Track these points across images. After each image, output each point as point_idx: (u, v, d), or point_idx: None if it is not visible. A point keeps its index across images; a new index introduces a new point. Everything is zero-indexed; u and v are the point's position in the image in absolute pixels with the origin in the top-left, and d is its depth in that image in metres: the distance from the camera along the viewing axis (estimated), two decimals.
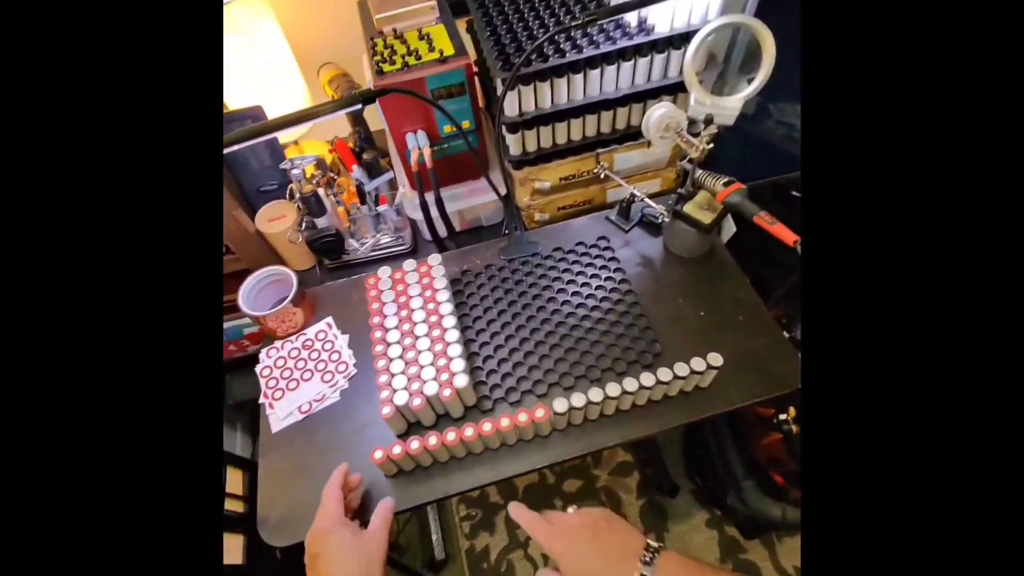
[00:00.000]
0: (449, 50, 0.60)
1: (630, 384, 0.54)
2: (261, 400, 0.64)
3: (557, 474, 1.30)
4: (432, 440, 0.53)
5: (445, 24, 0.65)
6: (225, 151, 0.50)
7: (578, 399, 0.53)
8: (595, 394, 0.54)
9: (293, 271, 0.67)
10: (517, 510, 0.47)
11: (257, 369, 0.66)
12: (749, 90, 0.57)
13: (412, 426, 0.59)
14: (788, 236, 0.55)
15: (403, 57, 0.60)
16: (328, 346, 0.67)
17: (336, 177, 0.77)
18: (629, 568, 0.39)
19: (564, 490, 1.27)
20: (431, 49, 0.61)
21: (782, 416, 0.84)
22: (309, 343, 0.67)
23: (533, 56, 0.60)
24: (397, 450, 0.53)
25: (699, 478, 1.28)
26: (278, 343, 0.68)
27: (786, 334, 0.97)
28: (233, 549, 0.81)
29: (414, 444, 0.53)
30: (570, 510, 0.45)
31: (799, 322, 1.17)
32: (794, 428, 0.84)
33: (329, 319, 0.70)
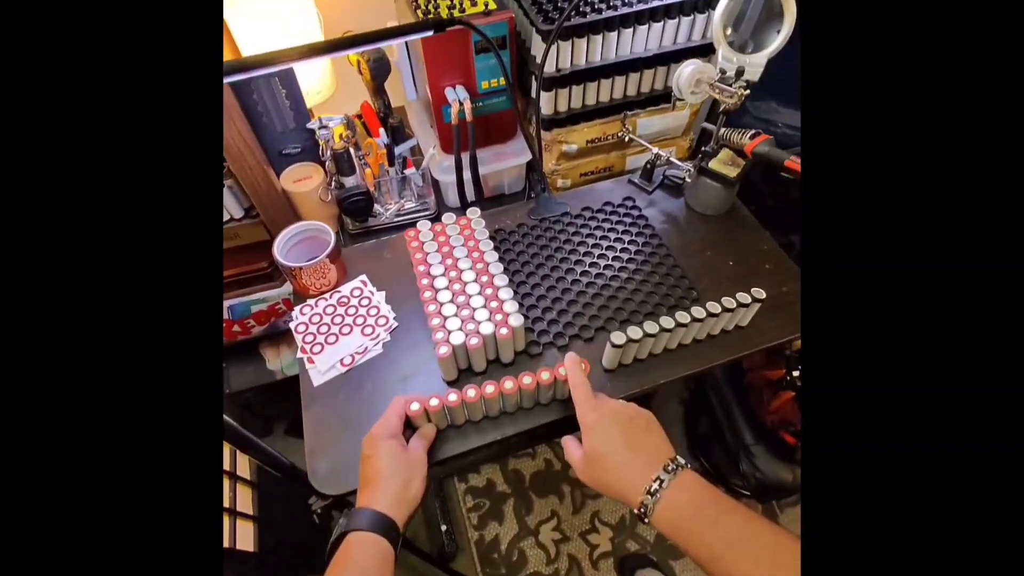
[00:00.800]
0: (492, 4, 0.62)
1: (683, 317, 0.56)
2: (299, 355, 0.61)
3: (563, 460, 1.29)
4: (489, 388, 0.52)
5: None
6: (274, 70, 0.48)
7: (635, 332, 0.54)
8: (650, 327, 0.55)
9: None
10: (572, 363, 0.49)
11: (292, 325, 0.63)
12: (775, 44, 0.61)
13: (462, 372, 0.59)
14: None
15: (448, 9, 0.61)
16: (365, 302, 0.65)
17: (362, 140, 0.76)
18: (650, 468, 0.40)
19: (570, 476, 1.27)
20: (474, 3, 0.62)
21: (795, 373, 0.87)
22: (344, 300, 0.66)
23: (574, 13, 0.62)
24: (453, 397, 0.52)
25: (703, 458, 1.30)
26: (311, 301, 0.66)
27: None
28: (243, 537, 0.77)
29: (471, 392, 0.52)
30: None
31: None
32: None
33: (363, 277, 0.68)
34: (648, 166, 0.76)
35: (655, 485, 0.40)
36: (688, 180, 0.74)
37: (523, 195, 0.85)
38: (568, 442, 0.47)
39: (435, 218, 0.81)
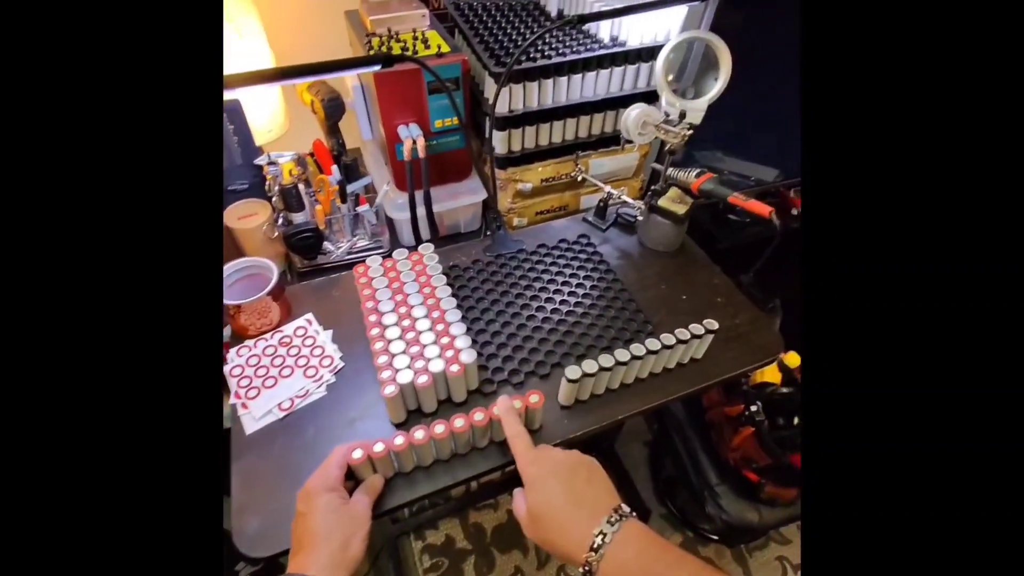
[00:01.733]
0: (445, 48, 0.64)
1: (638, 349, 0.55)
2: (232, 401, 0.56)
3: None
4: (439, 428, 0.49)
5: (436, 31, 0.69)
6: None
7: (590, 366, 0.53)
8: (606, 360, 0.54)
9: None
10: (504, 410, 0.47)
11: (226, 369, 0.59)
12: (713, 92, 0.65)
13: (411, 414, 0.55)
14: (763, 209, 0.61)
15: (402, 50, 0.62)
16: (309, 342, 0.62)
17: (314, 177, 0.75)
18: (592, 522, 0.38)
19: None
20: (427, 47, 0.64)
21: (752, 408, 0.87)
22: (287, 340, 0.62)
23: (523, 56, 0.65)
24: (400, 440, 0.48)
25: (669, 501, 1.27)
26: (250, 342, 0.61)
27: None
28: None
29: (418, 434, 0.48)
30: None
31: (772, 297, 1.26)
32: (766, 422, 0.88)
33: (308, 315, 0.65)
34: (601, 204, 0.78)
35: (598, 540, 0.37)
36: (640, 218, 0.76)
37: (479, 233, 0.85)
38: (516, 496, 0.44)
39: (389, 256, 0.79)
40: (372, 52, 0.63)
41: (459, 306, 0.65)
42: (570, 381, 0.53)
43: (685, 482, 1.08)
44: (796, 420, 0.91)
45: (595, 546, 0.37)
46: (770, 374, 0.93)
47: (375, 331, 0.56)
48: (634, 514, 0.39)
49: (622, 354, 0.55)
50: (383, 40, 0.64)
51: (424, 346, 0.54)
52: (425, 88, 0.63)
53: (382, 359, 0.53)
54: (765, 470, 0.92)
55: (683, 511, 1.23)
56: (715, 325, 0.58)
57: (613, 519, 0.38)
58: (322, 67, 0.48)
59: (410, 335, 0.55)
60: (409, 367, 0.52)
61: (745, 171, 1.18)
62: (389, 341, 0.55)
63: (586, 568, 0.37)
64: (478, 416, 0.49)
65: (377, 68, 0.51)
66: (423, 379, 0.51)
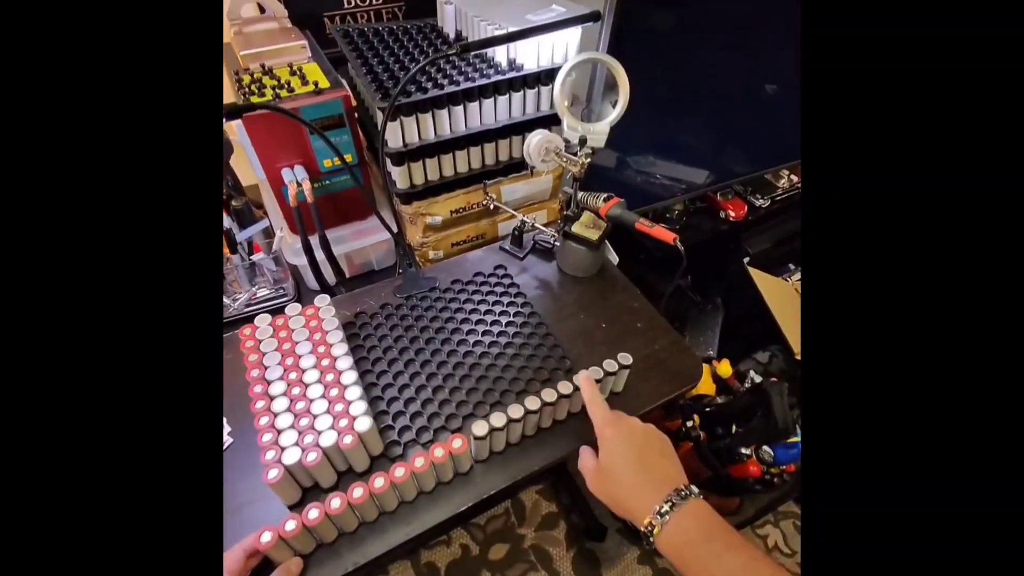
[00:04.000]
0: (325, 83, 0.59)
1: (549, 395, 0.52)
2: None
3: (480, 542, 1.19)
4: (335, 503, 0.45)
5: (318, 62, 0.64)
6: None
7: (498, 419, 0.50)
8: (515, 411, 0.50)
9: None
10: (585, 382, 0.50)
11: None
12: (613, 115, 0.63)
13: (308, 492, 0.50)
14: (667, 236, 0.60)
15: (274, 88, 0.57)
16: None
17: None
18: (661, 490, 0.42)
19: (490, 558, 1.16)
20: (304, 83, 0.59)
21: (688, 423, 0.87)
22: None
23: (411, 87, 0.61)
24: (291, 525, 0.43)
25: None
26: None
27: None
28: None
29: (312, 513, 0.44)
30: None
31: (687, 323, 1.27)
32: (702, 435, 0.87)
33: None
34: (516, 232, 0.75)
35: (666, 507, 0.40)
36: (556, 244, 0.73)
37: (394, 270, 0.80)
38: (585, 451, 0.49)
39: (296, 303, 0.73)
40: (241, 90, 0.57)
41: (363, 359, 0.60)
42: (477, 439, 0.49)
43: None
44: (734, 428, 0.91)
45: (662, 511, 0.40)
46: (705, 386, 0.93)
47: (260, 404, 0.50)
48: (701, 493, 0.42)
49: (532, 402, 0.51)
50: (254, 77, 0.59)
51: (315, 416, 0.49)
52: (305, 128, 0.58)
53: (267, 437, 0.48)
54: (706, 483, 0.92)
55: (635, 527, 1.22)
56: (629, 359, 0.56)
57: (683, 492, 0.41)
58: None
59: (300, 405, 0.50)
60: (297, 443, 0.47)
61: (677, 174, 1.19)
62: (276, 415, 0.49)
63: (649, 528, 0.41)
64: (378, 483, 0.45)
65: (231, 122, 0.46)
66: (312, 456, 0.46)
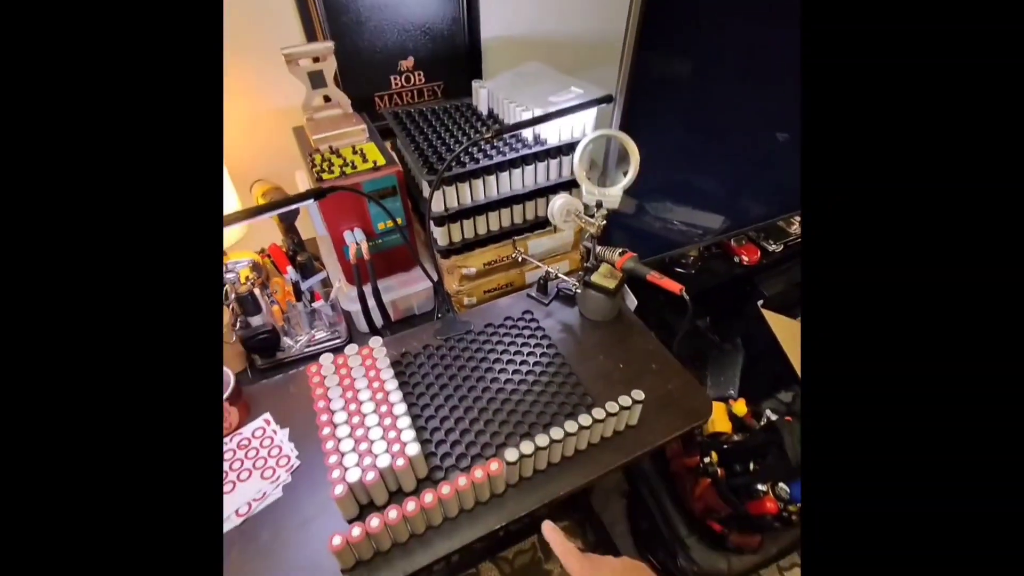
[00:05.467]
0: (381, 161, 0.71)
1: (571, 426, 0.59)
2: None
3: (508, 575, 1.22)
4: (392, 514, 0.53)
5: (375, 142, 0.77)
6: None
7: (527, 447, 0.57)
8: (542, 440, 0.58)
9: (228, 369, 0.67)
10: (550, 531, 0.47)
11: None
12: (624, 182, 0.73)
13: (363, 509, 0.58)
14: (675, 287, 0.68)
15: (340, 167, 0.69)
16: (267, 442, 0.65)
17: (270, 279, 0.80)
18: None
19: None
20: (365, 160, 0.71)
21: (706, 460, 0.91)
22: (245, 442, 0.65)
23: (454, 163, 0.72)
24: (357, 532, 0.52)
25: (649, 554, 1.28)
26: None
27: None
28: None
29: (374, 522, 0.52)
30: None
31: (705, 385, 1.31)
32: (719, 472, 0.92)
33: (266, 415, 0.68)
34: (541, 281, 0.84)
35: None
36: (578, 291, 0.82)
37: (432, 315, 0.90)
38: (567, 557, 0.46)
39: (347, 345, 0.83)
40: (314, 168, 0.69)
41: (409, 394, 0.69)
42: (509, 464, 0.57)
43: (659, 536, 1.10)
44: (752, 466, 0.95)
45: None
46: (721, 423, 0.98)
47: (327, 431, 0.59)
48: None
49: (556, 432, 0.59)
50: (324, 155, 0.71)
51: (372, 442, 0.58)
52: (364, 199, 0.69)
53: (332, 459, 0.56)
54: (727, 520, 0.95)
55: (664, 564, 1.23)
56: (642, 395, 0.63)
57: None
58: (259, 210, 0.55)
59: (359, 432, 0.59)
60: (357, 464, 0.56)
61: (693, 220, 1.27)
62: (339, 440, 0.58)
63: None
64: (428, 498, 0.53)
65: (311, 201, 0.57)
66: (371, 476, 0.55)
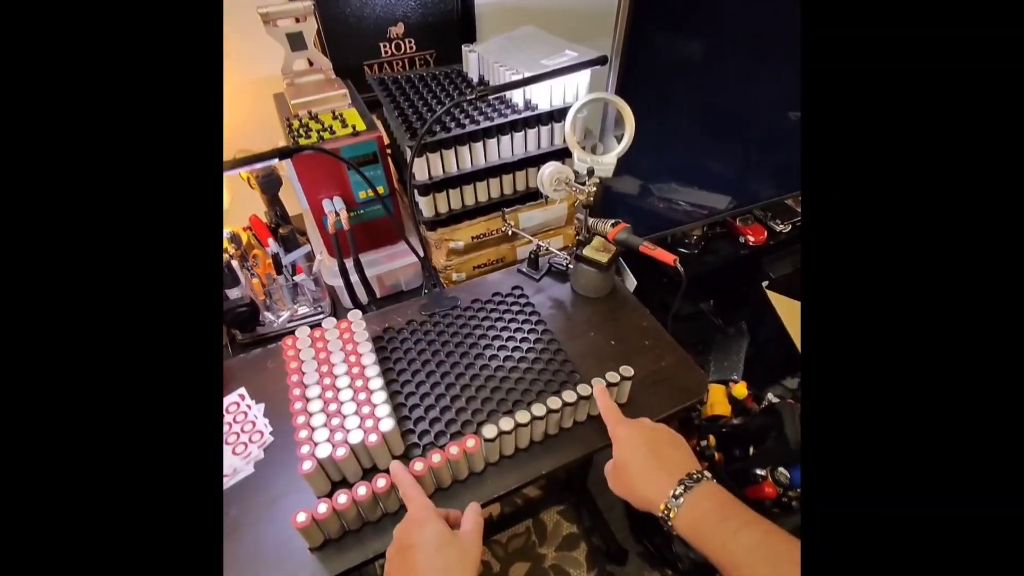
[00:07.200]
0: (361, 126, 0.68)
1: (554, 403, 0.56)
2: None
3: (502, 559, 1.21)
4: (361, 490, 0.50)
5: (356, 108, 0.73)
6: None
7: (506, 423, 0.54)
8: (522, 416, 0.55)
9: None
10: (599, 392, 0.55)
11: None
12: (619, 148, 0.68)
13: (336, 485, 0.56)
14: (668, 257, 0.64)
15: (318, 132, 0.66)
16: (241, 418, 0.63)
17: (250, 251, 0.78)
18: (674, 477, 0.44)
19: None
20: (344, 126, 0.67)
21: (703, 443, 0.88)
22: None
23: (436, 127, 0.68)
24: (323, 508, 0.49)
25: (645, 539, 1.25)
26: None
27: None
28: None
29: (341, 498, 0.49)
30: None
31: (708, 370, 1.28)
32: (716, 456, 0.88)
33: (241, 390, 0.66)
34: (532, 256, 0.81)
35: (679, 490, 0.43)
36: (569, 267, 0.78)
37: (420, 291, 0.87)
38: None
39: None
40: (291, 134, 0.66)
41: (389, 370, 0.67)
42: (487, 440, 0.54)
43: (653, 520, 1.07)
44: (751, 450, 0.92)
45: (676, 494, 0.43)
46: (720, 406, 0.94)
47: (298, 405, 0.57)
48: (712, 478, 0.45)
49: (538, 408, 0.56)
50: (302, 122, 0.68)
51: (345, 417, 0.55)
52: (344, 165, 0.66)
53: (303, 433, 0.54)
54: None
55: (660, 549, 1.21)
56: (631, 372, 0.60)
57: (695, 476, 0.44)
58: (227, 166, 0.51)
59: (332, 407, 0.56)
60: (328, 440, 0.53)
61: (699, 200, 1.23)
62: (311, 415, 0.56)
63: (665, 512, 0.44)
64: (417, 466, 0.51)
65: (275, 161, 0.54)
66: (341, 451, 0.52)
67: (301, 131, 0.66)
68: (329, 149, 0.60)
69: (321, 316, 0.80)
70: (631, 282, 1.16)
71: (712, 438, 0.90)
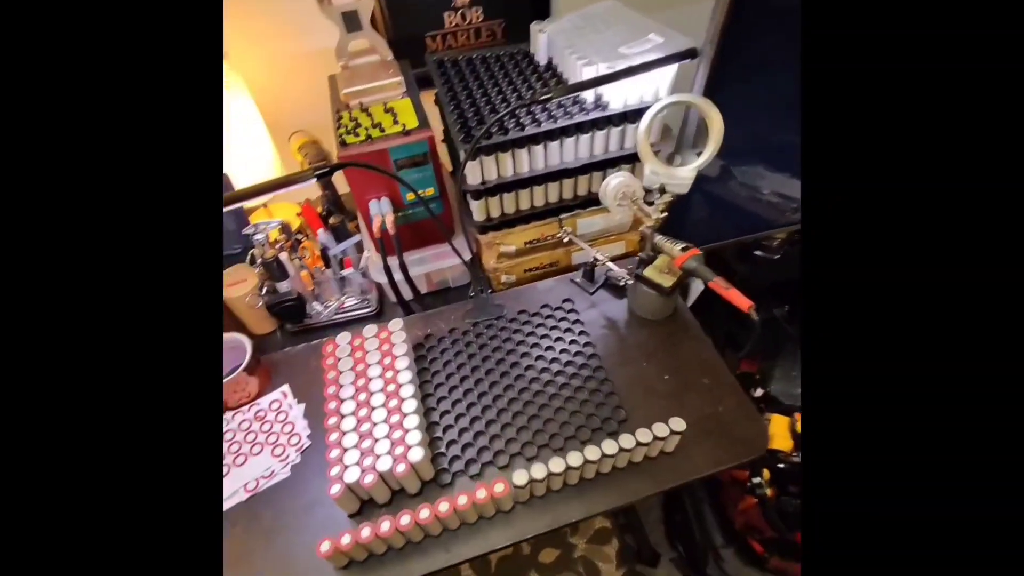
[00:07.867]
0: (413, 123, 0.63)
1: (592, 453, 0.52)
2: None
3: (532, 544, 1.23)
4: (385, 526, 0.50)
5: (411, 98, 0.68)
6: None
7: (538, 471, 0.51)
8: (556, 464, 0.52)
9: (249, 337, 0.65)
10: None
11: None
12: (699, 162, 0.59)
13: (365, 504, 0.56)
14: (743, 302, 0.56)
15: (367, 130, 0.62)
16: (282, 417, 0.64)
17: (301, 240, 0.77)
18: None
19: (540, 561, 1.20)
20: (395, 122, 0.63)
21: (755, 480, 0.82)
22: (262, 413, 0.64)
23: (494, 129, 0.62)
24: (346, 540, 0.49)
25: (680, 545, 1.22)
26: (228, 414, 0.65)
27: (761, 390, 0.97)
28: None
29: (364, 532, 0.49)
30: None
31: (772, 378, 1.17)
32: (768, 492, 0.82)
33: (285, 387, 0.67)
34: (588, 268, 0.74)
35: None
36: (628, 283, 0.72)
37: (468, 288, 0.84)
38: None
39: (378, 314, 0.80)
40: (340, 129, 0.62)
41: (426, 383, 0.65)
42: (517, 487, 0.52)
43: (692, 538, 1.04)
44: None
45: None
46: (781, 440, 0.86)
47: (332, 420, 0.57)
48: None
49: (574, 458, 0.52)
50: (352, 115, 0.64)
51: (376, 440, 0.54)
52: (392, 165, 0.62)
53: (334, 453, 0.54)
54: (769, 542, 0.86)
55: (694, 557, 1.18)
56: (682, 426, 0.54)
57: None
58: (258, 190, 0.49)
59: (364, 427, 0.56)
60: (357, 463, 0.53)
61: (789, 190, 1.09)
62: (344, 433, 0.55)
63: None
64: (424, 514, 0.50)
65: (312, 182, 0.51)
66: (369, 479, 0.51)
67: (350, 126, 0.62)
68: (372, 165, 0.56)
69: (368, 309, 0.80)
70: (697, 288, 1.07)
71: (767, 472, 0.83)
